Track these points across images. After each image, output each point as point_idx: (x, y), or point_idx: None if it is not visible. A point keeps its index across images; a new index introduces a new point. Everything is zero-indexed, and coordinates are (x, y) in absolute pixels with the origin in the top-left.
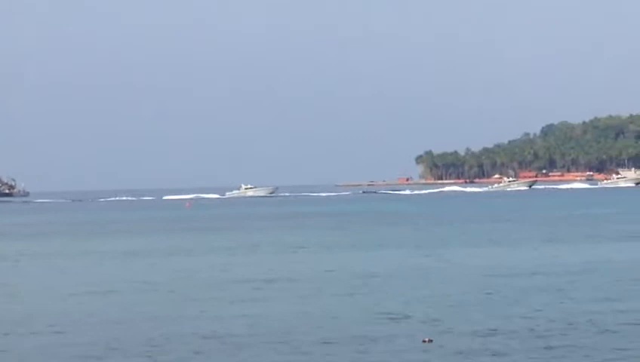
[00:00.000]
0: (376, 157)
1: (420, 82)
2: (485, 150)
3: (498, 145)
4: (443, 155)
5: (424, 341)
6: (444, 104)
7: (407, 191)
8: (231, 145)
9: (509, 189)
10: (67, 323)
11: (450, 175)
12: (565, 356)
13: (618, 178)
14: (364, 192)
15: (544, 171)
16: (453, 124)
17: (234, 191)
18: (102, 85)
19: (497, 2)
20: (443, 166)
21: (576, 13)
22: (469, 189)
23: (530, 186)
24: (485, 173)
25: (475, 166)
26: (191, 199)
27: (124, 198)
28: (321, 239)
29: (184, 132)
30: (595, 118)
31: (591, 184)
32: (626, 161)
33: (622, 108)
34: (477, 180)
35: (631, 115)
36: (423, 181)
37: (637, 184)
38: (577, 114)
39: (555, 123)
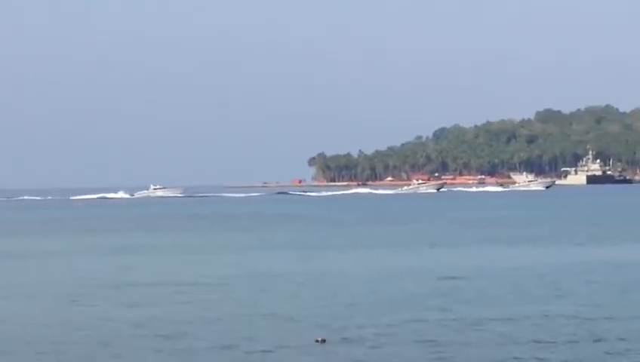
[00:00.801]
0: (269, 159)
1: (314, 84)
2: (378, 153)
3: (391, 148)
4: (336, 157)
5: (317, 341)
6: (337, 106)
7: (318, 193)
8: (141, 146)
9: (418, 192)
10: None
11: (342, 177)
12: (449, 359)
13: (529, 181)
14: (277, 193)
15: (436, 174)
16: (347, 127)
17: (143, 192)
18: (19, 82)
19: (388, 8)
20: (336, 168)
21: (472, 19)
22: (380, 191)
23: (438, 189)
24: (378, 175)
25: (368, 168)
26: (87, 199)
27: (27, 198)
28: (218, 241)
29: (99, 132)
30: (488, 122)
31: (504, 187)
32: (517, 164)
33: (514, 112)
34: (369, 182)
35: (522, 120)
36: (316, 183)
37: (547, 188)
38: (470, 118)
39: (448, 126)
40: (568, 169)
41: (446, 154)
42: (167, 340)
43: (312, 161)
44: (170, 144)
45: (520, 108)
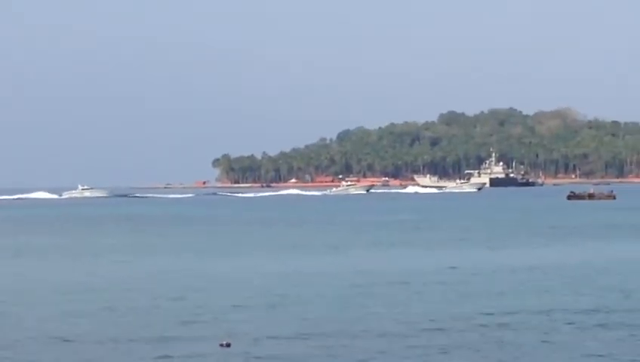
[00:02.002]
0: (173, 161)
1: (218, 86)
2: (282, 154)
3: (295, 150)
4: (240, 159)
5: (221, 345)
6: (241, 108)
7: (250, 194)
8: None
9: (347, 193)
10: None
11: (246, 179)
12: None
13: (462, 183)
14: (209, 194)
15: (340, 176)
16: (251, 128)
17: (72, 192)
18: None
19: (287, 11)
20: (240, 169)
21: (373, 22)
22: (309, 193)
23: (367, 190)
24: (282, 177)
25: (272, 170)
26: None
27: None
28: (129, 242)
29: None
30: (391, 124)
31: (438, 189)
32: (421, 167)
33: (417, 114)
34: (273, 184)
35: (426, 122)
36: (220, 184)
37: (479, 189)
38: (373, 120)
39: (352, 128)
40: (472, 171)
41: (350, 156)
42: (62, 344)
43: (216, 163)
44: (73, 146)
45: (423, 110)
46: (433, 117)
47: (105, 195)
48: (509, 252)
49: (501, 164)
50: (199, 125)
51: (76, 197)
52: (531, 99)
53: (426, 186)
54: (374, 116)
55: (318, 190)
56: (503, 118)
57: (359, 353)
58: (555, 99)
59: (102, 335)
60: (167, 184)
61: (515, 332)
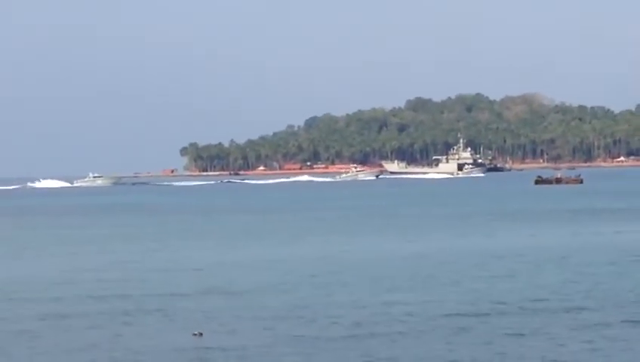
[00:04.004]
0: (140, 149)
1: (185, 75)
2: (250, 142)
3: (263, 138)
4: (208, 147)
5: (194, 334)
6: (208, 97)
7: (267, 181)
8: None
9: (357, 179)
10: None
11: (214, 167)
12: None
13: (471, 169)
14: (224, 181)
15: (308, 163)
16: (219, 116)
17: (85, 180)
18: None
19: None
20: (208, 158)
21: (336, 9)
22: (320, 179)
23: (377, 176)
24: (250, 165)
25: (240, 158)
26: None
27: None
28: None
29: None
30: (359, 111)
31: (451, 175)
32: (389, 153)
33: (384, 101)
34: (242, 172)
35: (394, 108)
36: (188, 172)
37: (485, 173)
38: (341, 106)
39: (319, 115)
40: (440, 157)
41: (318, 143)
42: (33, 340)
43: (184, 151)
44: (47, 133)
45: (391, 96)
46: (400, 103)
47: (114, 183)
48: (478, 238)
49: (469, 149)
50: (166, 114)
51: (89, 186)
52: (498, 84)
53: (439, 173)
54: (341, 103)
55: (329, 176)
56: (471, 104)
57: (326, 341)
58: (521, 85)
59: (63, 328)
60: (136, 173)
61: (475, 320)
